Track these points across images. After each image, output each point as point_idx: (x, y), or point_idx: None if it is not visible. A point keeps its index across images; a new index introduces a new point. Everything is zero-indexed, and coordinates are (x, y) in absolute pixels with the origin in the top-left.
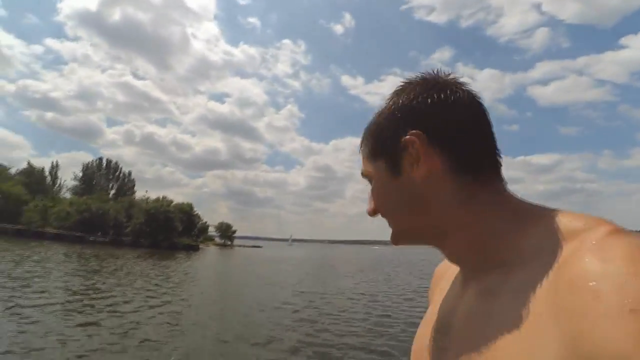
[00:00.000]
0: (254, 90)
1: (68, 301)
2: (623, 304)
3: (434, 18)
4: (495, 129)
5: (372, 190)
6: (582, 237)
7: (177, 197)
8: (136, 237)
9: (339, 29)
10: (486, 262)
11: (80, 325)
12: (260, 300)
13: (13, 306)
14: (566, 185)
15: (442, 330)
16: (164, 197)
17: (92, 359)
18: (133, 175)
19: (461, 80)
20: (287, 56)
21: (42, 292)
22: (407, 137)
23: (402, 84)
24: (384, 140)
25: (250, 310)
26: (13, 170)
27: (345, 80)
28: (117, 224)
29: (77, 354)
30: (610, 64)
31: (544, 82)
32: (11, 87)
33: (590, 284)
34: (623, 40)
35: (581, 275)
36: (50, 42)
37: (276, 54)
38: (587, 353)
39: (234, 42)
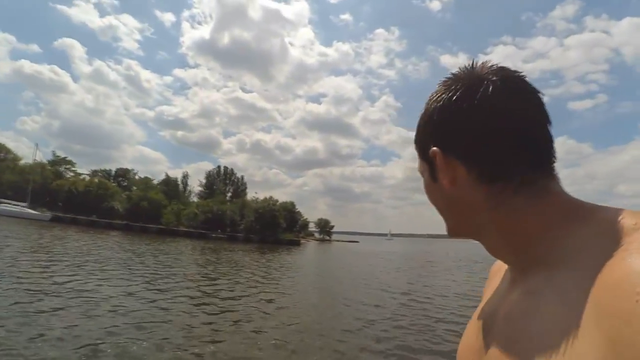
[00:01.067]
0: (349, 86)
1: (188, 287)
2: None
3: None
4: None
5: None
6: (633, 237)
7: (281, 196)
8: (248, 233)
9: (435, 5)
10: (528, 262)
11: (197, 305)
12: (347, 294)
13: (150, 287)
14: None
15: (485, 327)
16: (270, 197)
17: (197, 331)
18: (245, 179)
19: (505, 69)
20: (381, 46)
21: (172, 276)
22: (430, 151)
23: (438, 84)
24: (423, 146)
25: (335, 302)
26: (155, 181)
27: (445, 60)
28: (233, 222)
29: (182, 327)
30: None
31: None
32: (151, 114)
33: (637, 288)
34: None
35: (626, 278)
36: (177, 71)
37: (369, 46)
38: (628, 359)
39: (327, 42)
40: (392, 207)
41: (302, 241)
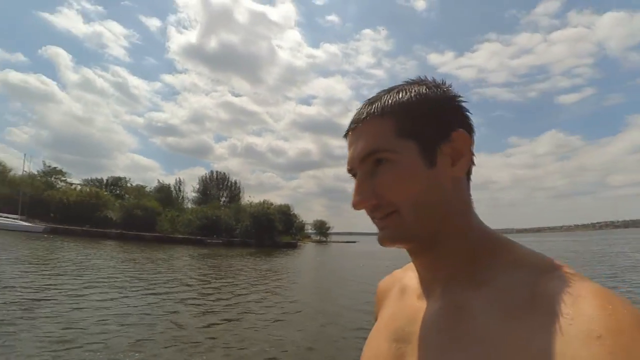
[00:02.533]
0: (338, 87)
1: (187, 290)
2: (592, 330)
3: None
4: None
5: (387, 174)
6: (553, 273)
7: (276, 199)
8: (244, 238)
9: (420, 4)
10: (460, 278)
11: (196, 305)
12: (343, 294)
13: (149, 292)
14: None
15: (401, 339)
16: (265, 201)
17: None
18: (239, 183)
19: None
20: (369, 46)
21: (170, 281)
22: (460, 131)
23: (415, 79)
24: (424, 123)
25: (330, 304)
26: (149, 188)
27: (433, 58)
28: (229, 227)
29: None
30: None
31: None
32: (141, 120)
33: (566, 312)
34: None
35: (559, 304)
36: (166, 77)
37: (357, 46)
38: None
39: (315, 44)
40: None
41: (300, 243)
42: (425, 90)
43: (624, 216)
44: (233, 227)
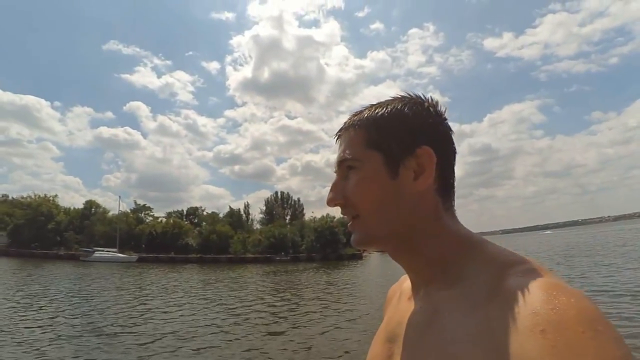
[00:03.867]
0: (389, 92)
1: (257, 310)
2: (536, 324)
3: None
4: None
5: (355, 179)
6: (512, 269)
7: (338, 212)
8: (309, 253)
9: None
10: (437, 280)
11: (265, 325)
12: None
13: (224, 308)
14: None
15: (392, 340)
16: (327, 215)
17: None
18: (301, 201)
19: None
20: (417, 45)
21: (247, 299)
22: (424, 147)
23: (404, 95)
24: (390, 136)
25: None
26: (221, 215)
27: (489, 43)
28: (294, 243)
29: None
30: None
31: None
32: (210, 154)
33: (515, 308)
34: None
35: (508, 301)
36: (228, 112)
37: (405, 47)
38: None
39: (362, 54)
40: (457, 207)
41: (364, 254)
42: (401, 106)
43: None
44: (299, 243)
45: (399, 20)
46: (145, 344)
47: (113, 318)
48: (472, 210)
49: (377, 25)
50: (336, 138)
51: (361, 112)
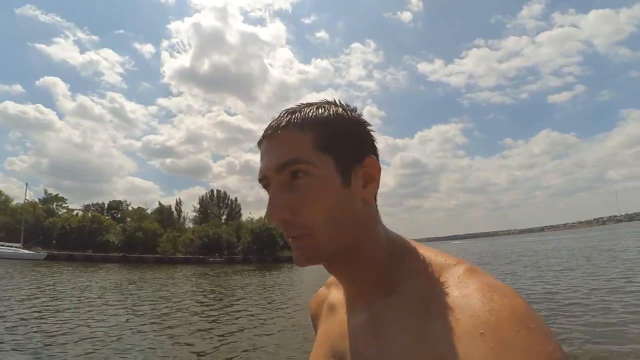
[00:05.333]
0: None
1: (186, 314)
2: (476, 327)
3: None
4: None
5: (304, 189)
6: (448, 272)
7: None
8: (246, 255)
9: (406, 16)
10: (376, 289)
11: (202, 329)
12: None
13: (156, 315)
14: None
15: (337, 356)
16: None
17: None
18: (238, 201)
19: None
20: (359, 59)
21: (177, 302)
22: (372, 157)
23: (330, 100)
24: (343, 142)
25: None
26: (149, 211)
27: (423, 67)
28: (230, 244)
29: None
30: None
31: None
32: (138, 144)
33: (455, 312)
34: None
35: (448, 305)
36: (161, 101)
37: (347, 60)
38: None
39: (306, 60)
40: (387, 215)
41: None
42: (342, 111)
43: (627, 210)
44: (234, 244)
45: (343, 32)
46: (48, 345)
47: (12, 320)
48: (402, 219)
49: (322, 34)
50: (265, 139)
51: (299, 109)
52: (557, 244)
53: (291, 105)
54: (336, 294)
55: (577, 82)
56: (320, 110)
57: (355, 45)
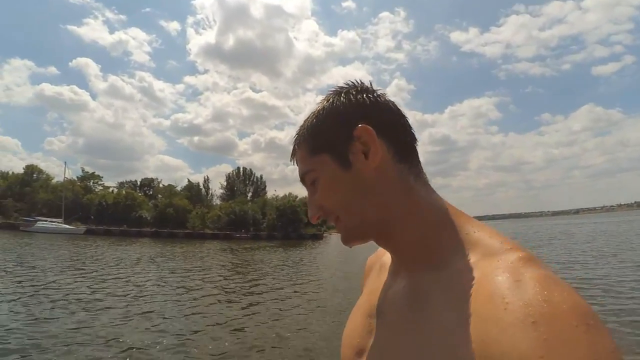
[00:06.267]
0: (358, 74)
1: (223, 284)
2: (528, 315)
3: None
4: None
5: (319, 188)
6: (501, 256)
7: (301, 191)
8: (270, 231)
9: None
10: (419, 262)
11: (230, 301)
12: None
13: (185, 286)
14: None
15: (372, 314)
16: (289, 194)
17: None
18: (264, 178)
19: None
20: (387, 29)
21: (206, 275)
22: (359, 126)
23: (330, 91)
24: (328, 135)
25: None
26: (179, 188)
27: (456, 37)
28: (255, 221)
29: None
30: None
31: None
32: (167, 122)
33: (505, 298)
34: None
35: (498, 290)
36: (188, 79)
37: (375, 30)
38: (496, 355)
39: (332, 32)
40: None
41: (325, 234)
42: (332, 99)
43: None
44: (260, 221)
45: (371, 1)
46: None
47: (64, 290)
48: None
49: (349, 4)
50: (292, 163)
51: (300, 126)
52: (593, 227)
53: (315, 80)
54: (389, 256)
55: (626, 52)
56: (311, 119)
57: (384, 14)
